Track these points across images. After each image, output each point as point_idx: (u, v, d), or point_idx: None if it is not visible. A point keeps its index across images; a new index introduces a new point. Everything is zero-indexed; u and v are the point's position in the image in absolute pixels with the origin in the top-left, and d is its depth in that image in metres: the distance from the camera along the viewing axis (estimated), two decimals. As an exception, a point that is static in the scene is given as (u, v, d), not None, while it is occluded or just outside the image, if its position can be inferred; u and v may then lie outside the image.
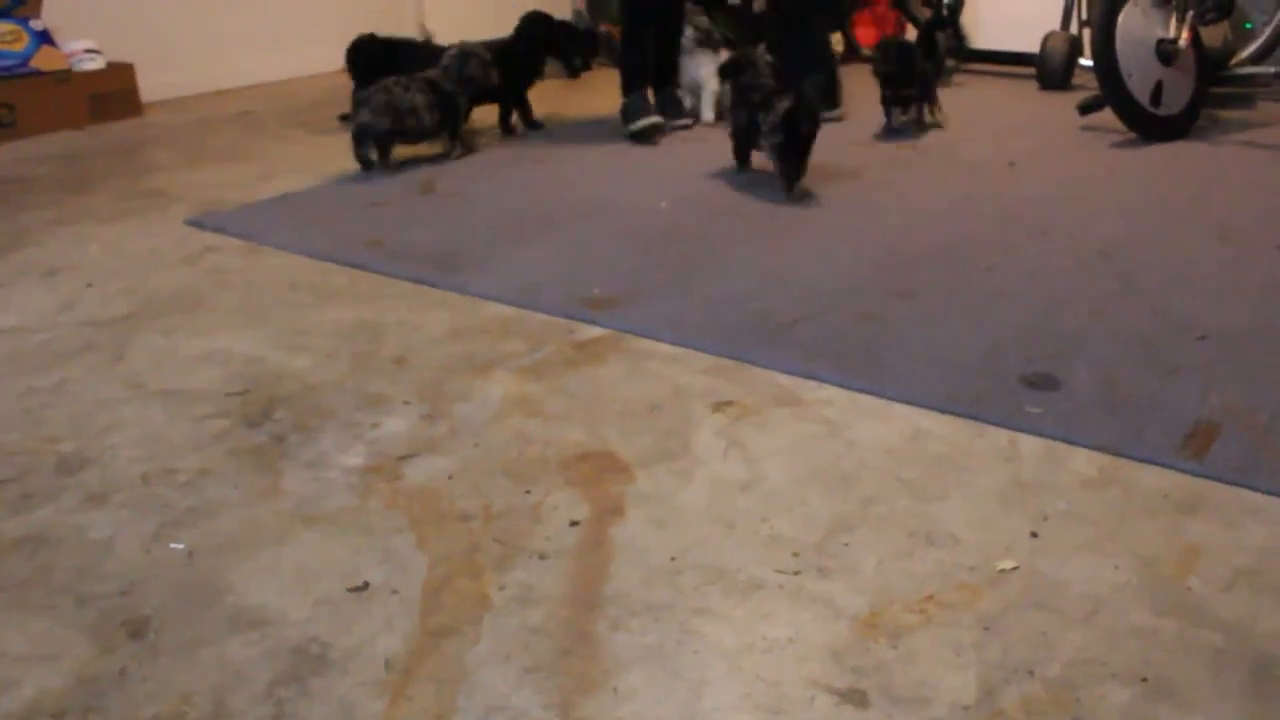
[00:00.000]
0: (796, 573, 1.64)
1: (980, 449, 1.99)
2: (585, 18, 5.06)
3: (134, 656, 1.50)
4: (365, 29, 4.94)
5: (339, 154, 4.43)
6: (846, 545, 1.70)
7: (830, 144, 4.38)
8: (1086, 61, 5.27)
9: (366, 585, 1.63)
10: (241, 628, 1.55)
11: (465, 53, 4.25)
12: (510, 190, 3.79)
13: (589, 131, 4.79)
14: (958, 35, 5.97)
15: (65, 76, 5.15)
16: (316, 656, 1.48)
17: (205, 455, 2.04)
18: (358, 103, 4.04)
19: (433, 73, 4.18)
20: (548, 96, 5.79)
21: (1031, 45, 5.74)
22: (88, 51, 5.29)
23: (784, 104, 3.50)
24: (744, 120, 3.79)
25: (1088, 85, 5.07)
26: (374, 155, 4.10)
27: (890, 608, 1.56)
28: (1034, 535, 1.73)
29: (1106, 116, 4.51)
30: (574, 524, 1.77)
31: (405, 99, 4.02)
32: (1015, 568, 1.64)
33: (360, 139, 4.08)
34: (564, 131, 4.82)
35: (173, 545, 1.76)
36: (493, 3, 6.85)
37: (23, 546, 1.77)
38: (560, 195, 3.71)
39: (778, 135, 3.53)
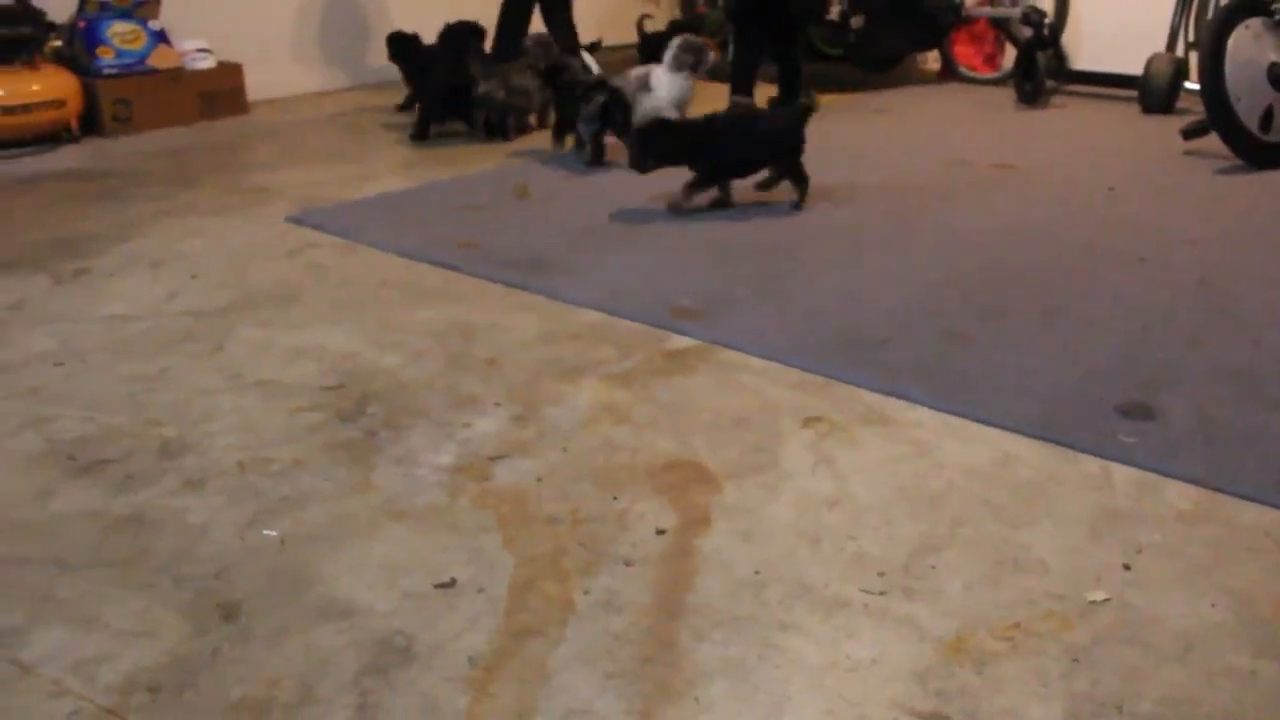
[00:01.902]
0: (882, 593, 1.62)
1: (1071, 476, 1.96)
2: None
3: (227, 638, 1.54)
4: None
5: (434, 157, 4.50)
6: (933, 567, 1.69)
7: (924, 162, 4.35)
8: (1192, 85, 5.15)
9: (453, 582, 1.65)
10: (330, 617, 1.58)
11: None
12: (602, 197, 3.81)
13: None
14: (1058, 56, 5.87)
15: (178, 75, 5.31)
16: (402, 649, 1.51)
17: (299, 447, 2.09)
18: (480, 79, 4.72)
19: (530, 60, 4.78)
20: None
21: (1135, 67, 5.62)
22: (199, 51, 5.45)
23: (600, 97, 4.27)
24: (569, 111, 4.46)
25: (1192, 109, 4.96)
26: (485, 121, 4.85)
27: (976, 633, 1.54)
28: (1126, 567, 1.69)
29: (1211, 142, 4.40)
30: (660, 532, 1.77)
31: (519, 81, 4.75)
32: (1106, 599, 1.61)
33: (479, 107, 4.79)
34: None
35: (266, 532, 1.80)
36: (591, 5, 6.91)
37: (125, 525, 1.83)
38: (652, 204, 3.72)
39: (596, 123, 4.32)
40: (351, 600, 1.62)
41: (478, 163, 4.41)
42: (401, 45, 5.16)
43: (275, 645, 1.53)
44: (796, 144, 3.69)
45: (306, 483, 1.95)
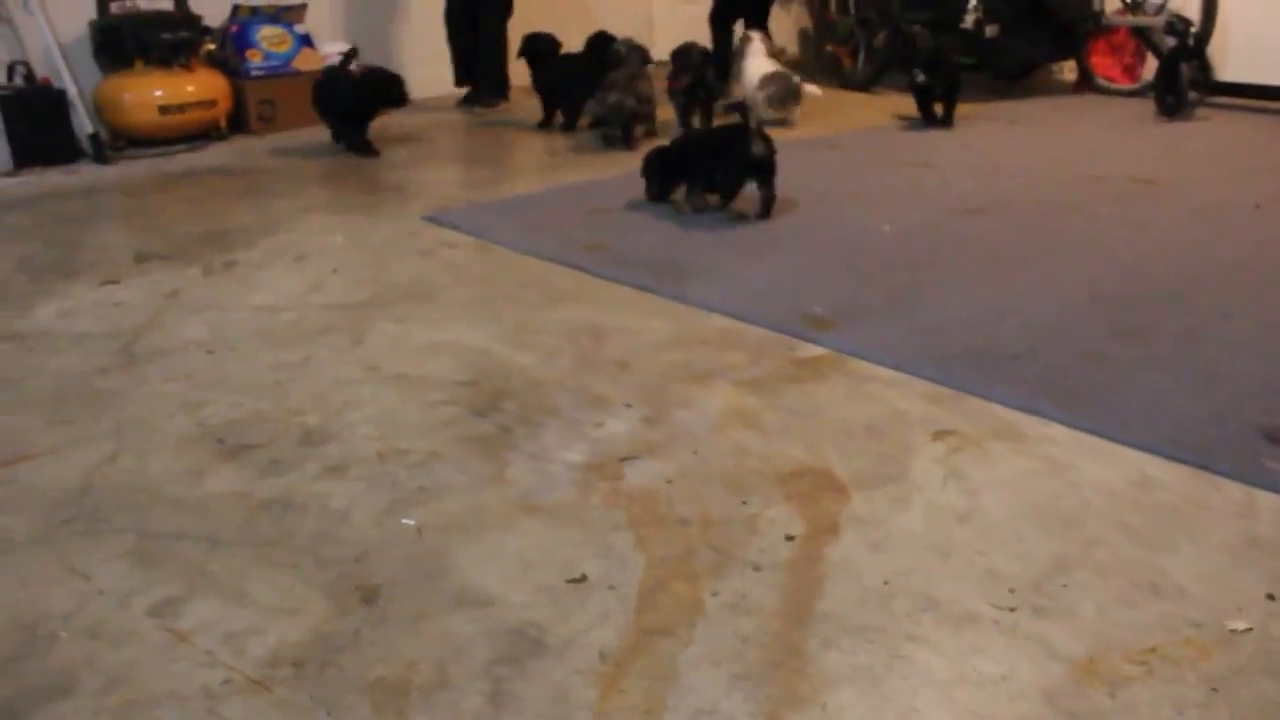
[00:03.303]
0: (1012, 609, 1.60)
1: (1213, 501, 1.90)
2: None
3: (366, 620, 1.60)
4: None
5: (565, 162, 4.57)
6: (1065, 587, 1.66)
7: (1059, 175, 4.26)
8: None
9: (584, 578, 1.69)
10: (465, 605, 1.63)
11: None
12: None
13: (807, 149, 4.80)
14: (1203, 67, 5.68)
15: (320, 76, 5.50)
16: (534, 640, 1.55)
17: (435, 439, 2.15)
18: (605, 88, 4.86)
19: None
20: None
21: (1287, 79, 5.41)
22: (341, 54, 5.64)
23: (688, 77, 4.96)
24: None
25: (1349, 126, 4.75)
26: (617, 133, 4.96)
27: (1109, 656, 1.51)
28: (1270, 598, 1.64)
29: (1369, 161, 4.22)
30: (789, 539, 1.78)
31: (644, 87, 4.88)
32: (1248, 630, 1.57)
33: (606, 120, 4.94)
34: (788, 149, 4.83)
35: (404, 521, 1.86)
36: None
37: (271, 508, 1.92)
38: (781, 211, 3.72)
39: (682, 96, 5.00)
40: (486, 590, 1.67)
41: (607, 168, 4.47)
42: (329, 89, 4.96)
43: (412, 629, 1.58)
44: (745, 159, 3.59)
45: (442, 474, 2.02)
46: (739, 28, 5.91)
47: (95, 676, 1.50)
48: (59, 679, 1.50)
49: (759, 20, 5.92)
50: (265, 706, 1.44)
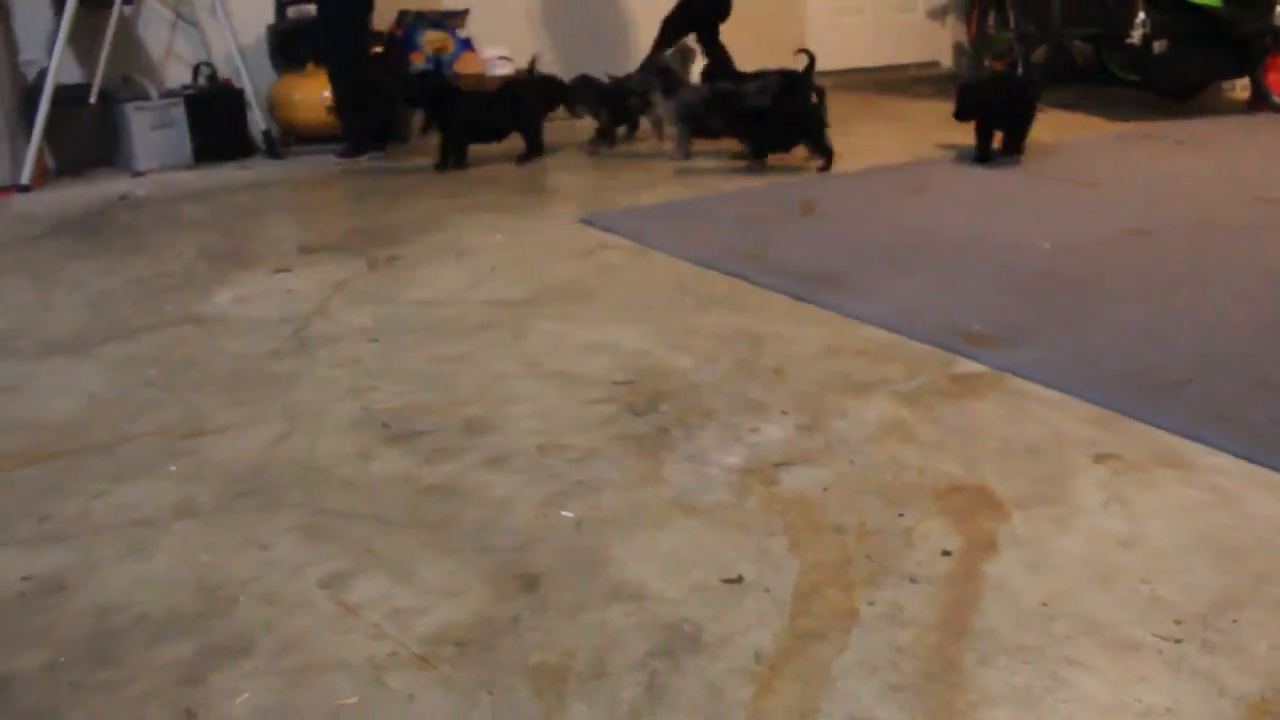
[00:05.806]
0: (1178, 641, 1.56)
1: (1397, 544, 1.82)
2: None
3: (526, 607, 1.65)
4: (754, 53, 5.24)
5: (714, 169, 4.61)
6: (1235, 622, 1.61)
7: (1230, 198, 4.10)
8: None
9: (741, 579, 1.71)
10: (621, 598, 1.67)
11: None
12: (888, 217, 3.80)
13: (965, 163, 4.72)
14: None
15: (480, 79, 5.65)
16: (690, 637, 1.57)
17: (593, 436, 2.20)
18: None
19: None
20: (937, 127, 5.75)
21: None
22: (500, 58, 5.80)
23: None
24: None
25: None
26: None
27: (1283, 697, 1.46)
28: None
29: None
30: (945, 553, 1.77)
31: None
32: None
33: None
34: (945, 163, 4.77)
35: (563, 513, 1.91)
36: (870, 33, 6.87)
37: (435, 493, 1.99)
38: (938, 226, 3.68)
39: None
40: (642, 585, 1.70)
41: (758, 176, 4.48)
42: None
43: (571, 619, 1.62)
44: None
45: (600, 470, 2.06)
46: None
47: (271, 640, 1.58)
48: (239, 640, 1.58)
49: (709, 36, 5.76)
50: (429, 682, 1.49)
